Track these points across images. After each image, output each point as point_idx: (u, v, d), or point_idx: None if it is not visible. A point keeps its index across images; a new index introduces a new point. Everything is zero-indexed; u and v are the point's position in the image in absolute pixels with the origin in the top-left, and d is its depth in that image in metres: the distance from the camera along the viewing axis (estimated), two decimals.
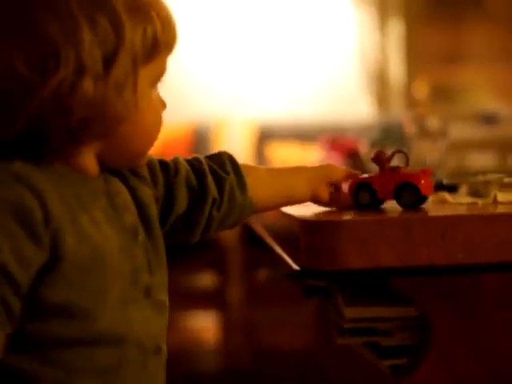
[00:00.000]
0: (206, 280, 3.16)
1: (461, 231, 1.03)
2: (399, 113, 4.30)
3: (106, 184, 0.95)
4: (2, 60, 0.86)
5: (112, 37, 0.88)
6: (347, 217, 1.09)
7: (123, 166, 0.97)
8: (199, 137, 3.93)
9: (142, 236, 0.96)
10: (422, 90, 4.07)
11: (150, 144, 0.95)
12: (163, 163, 1.05)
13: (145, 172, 1.01)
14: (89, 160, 0.92)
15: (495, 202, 1.21)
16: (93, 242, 0.88)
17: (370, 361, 1.23)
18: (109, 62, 0.87)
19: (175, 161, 1.06)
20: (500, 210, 1.15)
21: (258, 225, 1.77)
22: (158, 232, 0.99)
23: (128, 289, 0.92)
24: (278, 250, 1.34)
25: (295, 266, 1.08)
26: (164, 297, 0.98)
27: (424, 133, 1.92)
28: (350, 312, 1.19)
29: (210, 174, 1.06)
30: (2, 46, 0.86)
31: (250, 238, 2.48)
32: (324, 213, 1.13)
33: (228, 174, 1.08)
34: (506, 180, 1.28)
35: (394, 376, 1.17)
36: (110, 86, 0.87)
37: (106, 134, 0.90)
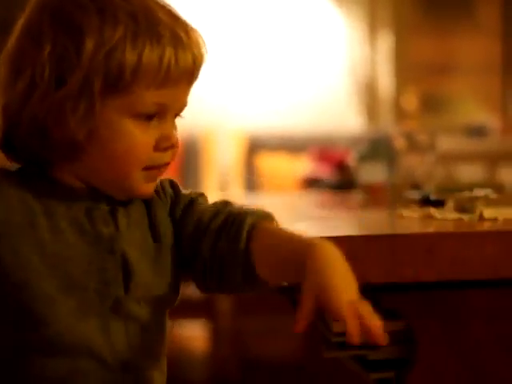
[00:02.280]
0: (194, 289, 3.17)
1: (446, 248, 1.05)
2: (388, 124, 4.33)
3: (89, 199, 0.95)
4: None
5: (71, 56, 0.89)
6: (335, 233, 1.11)
7: (109, 190, 0.95)
8: (189, 147, 3.94)
9: (120, 251, 0.95)
10: (411, 102, 4.09)
11: (122, 171, 0.93)
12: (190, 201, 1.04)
13: (167, 198, 1.02)
14: (67, 177, 0.94)
15: (481, 218, 1.23)
16: (48, 251, 0.90)
17: (358, 374, 1.24)
18: (61, 80, 0.89)
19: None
20: (486, 226, 1.17)
21: None
22: (166, 250, 0.98)
23: (90, 300, 0.92)
24: None
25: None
26: (143, 312, 0.95)
27: (412, 146, 1.95)
28: (338, 326, 1.21)
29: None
30: None
31: None
32: (315, 230, 1.15)
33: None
34: (492, 196, 1.30)
35: None
36: (56, 104, 0.89)
37: (64, 155, 0.92)
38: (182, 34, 0.93)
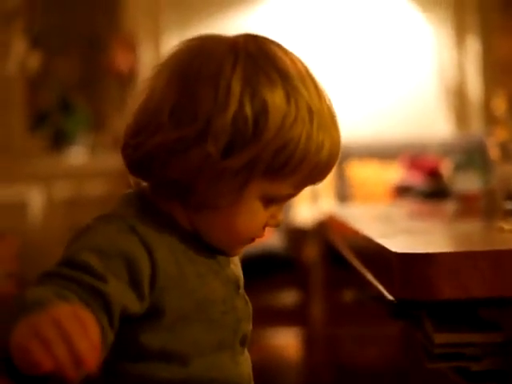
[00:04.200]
0: (289, 297, 3.20)
1: None
2: (479, 129, 4.29)
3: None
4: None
5: (249, 130, 0.88)
6: (436, 249, 1.13)
7: (209, 242, 0.96)
8: None
9: (242, 288, 1.00)
10: (500, 105, 4.05)
11: (232, 239, 0.95)
12: None
13: None
14: (183, 220, 0.94)
15: None
16: (196, 296, 0.91)
17: None
18: (229, 150, 0.88)
19: None
20: None
21: (345, 247, 1.81)
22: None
23: (228, 337, 0.95)
24: (368, 275, 1.39)
25: (389, 296, 1.13)
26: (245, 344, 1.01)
27: (508, 156, 1.95)
28: (440, 338, 1.23)
29: None
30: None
31: (332, 258, 2.53)
32: (416, 244, 1.17)
33: None
34: None
35: None
36: (216, 173, 0.89)
37: (194, 208, 0.92)
38: (336, 140, 0.93)
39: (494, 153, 1.99)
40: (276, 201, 0.93)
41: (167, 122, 0.90)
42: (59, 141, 4.34)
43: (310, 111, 0.90)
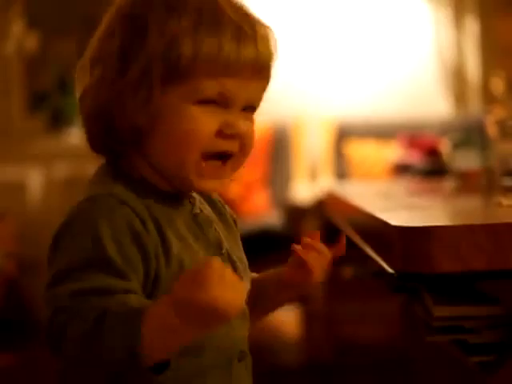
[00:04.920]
0: None
1: None
2: (477, 109, 4.30)
3: (189, 203, 1.01)
4: None
5: (136, 47, 0.94)
6: (436, 222, 1.15)
7: (174, 180, 0.98)
8: (278, 136, 3.98)
9: (225, 249, 1.01)
10: (499, 86, 4.05)
11: (182, 154, 0.95)
12: None
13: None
14: (145, 170, 0.97)
15: None
16: (179, 259, 0.93)
17: (458, 357, 1.28)
18: (125, 70, 0.95)
19: None
20: None
21: (345, 223, 1.82)
22: (241, 246, 1.06)
23: None
24: (368, 250, 1.40)
25: (390, 269, 1.14)
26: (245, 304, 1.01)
27: (506, 134, 1.96)
28: (439, 310, 1.24)
29: None
30: None
31: (332, 235, 2.54)
32: (416, 218, 1.19)
33: None
34: None
35: (481, 372, 1.22)
36: (117, 91, 0.94)
37: (132, 140, 0.95)
38: (247, 28, 0.95)
39: (492, 131, 2.00)
40: (212, 100, 0.95)
41: (91, 84, 0.98)
42: (58, 121, 4.35)
43: (199, 11, 0.94)
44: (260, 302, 1.09)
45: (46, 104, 4.38)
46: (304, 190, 3.77)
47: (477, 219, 1.15)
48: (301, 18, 4.26)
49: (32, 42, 4.42)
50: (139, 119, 0.94)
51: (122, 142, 0.96)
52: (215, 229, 1.02)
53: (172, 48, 0.93)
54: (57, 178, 4.28)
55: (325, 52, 4.30)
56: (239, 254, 1.05)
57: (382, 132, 3.96)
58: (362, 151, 3.92)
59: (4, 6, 4.36)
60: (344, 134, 4.02)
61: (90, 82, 0.97)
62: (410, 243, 1.08)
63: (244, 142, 0.98)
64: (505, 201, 1.36)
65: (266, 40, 0.97)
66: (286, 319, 3.47)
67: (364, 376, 2.67)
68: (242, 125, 0.97)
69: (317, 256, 1.06)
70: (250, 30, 0.95)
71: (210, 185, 0.98)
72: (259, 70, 0.96)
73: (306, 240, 1.07)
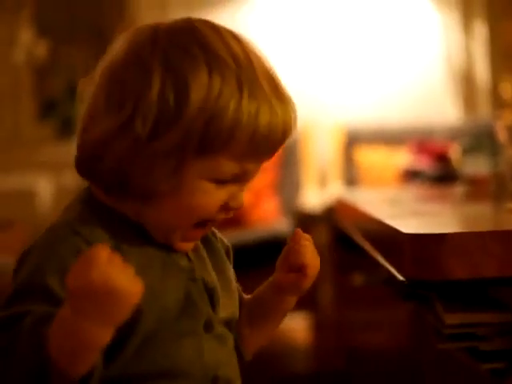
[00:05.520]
0: None
1: None
2: (487, 114, 4.29)
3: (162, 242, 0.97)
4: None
5: (173, 108, 0.87)
6: (446, 230, 1.14)
7: (154, 233, 0.95)
8: (287, 143, 3.96)
9: (200, 276, 0.98)
10: (508, 90, 4.04)
11: (181, 222, 0.93)
12: None
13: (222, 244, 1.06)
14: (130, 212, 0.94)
15: None
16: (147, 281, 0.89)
17: (469, 365, 1.27)
18: (156, 132, 0.88)
19: None
20: None
21: (355, 230, 1.82)
22: (230, 275, 1.04)
23: (183, 323, 0.94)
24: (378, 257, 1.40)
25: (400, 277, 1.14)
26: (225, 329, 0.99)
27: None
28: (450, 318, 1.24)
29: None
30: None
31: (341, 243, 2.54)
32: (426, 225, 1.18)
33: None
34: None
35: (493, 379, 1.21)
36: (146, 156, 0.88)
37: (139, 196, 0.91)
38: (279, 111, 0.91)
39: (502, 136, 1.99)
40: (227, 180, 0.92)
41: (102, 113, 0.91)
42: (67, 129, 4.36)
43: (239, 81, 0.89)
44: (260, 317, 1.07)
45: (56, 112, 4.39)
46: (314, 197, 3.76)
47: (487, 226, 1.15)
48: (310, 23, 4.26)
49: (41, 50, 4.43)
50: (161, 186, 0.90)
51: (128, 194, 0.92)
52: (189, 258, 0.99)
53: (213, 123, 0.88)
54: (66, 186, 4.29)
55: (333, 58, 4.30)
56: (225, 284, 1.02)
57: (391, 137, 3.95)
58: (371, 157, 3.91)
59: (13, 14, 4.37)
60: (353, 140, 4.01)
61: (110, 121, 0.90)
62: (421, 250, 1.07)
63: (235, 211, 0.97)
64: None
65: (291, 118, 0.94)
66: (296, 327, 3.47)
67: (375, 383, 2.66)
68: (243, 197, 0.96)
69: (307, 251, 1.03)
70: (280, 110, 0.92)
71: (186, 247, 0.97)
72: (278, 150, 0.95)
73: (298, 233, 1.04)
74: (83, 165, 0.95)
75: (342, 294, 2.84)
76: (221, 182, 0.92)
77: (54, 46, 4.48)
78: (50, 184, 4.30)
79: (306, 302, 3.28)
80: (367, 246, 1.57)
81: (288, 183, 3.96)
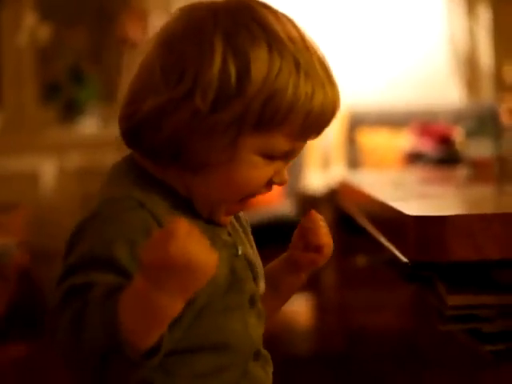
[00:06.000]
0: None
1: None
2: (490, 97, 4.28)
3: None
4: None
5: (234, 84, 0.89)
6: (449, 212, 1.15)
7: (202, 211, 0.96)
8: None
9: (242, 251, 0.99)
10: (511, 73, 4.04)
11: (228, 196, 0.95)
12: None
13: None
14: (179, 185, 0.95)
15: None
16: None
17: (471, 346, 1.28)
18: (216, 104, 0.89)
19: None
20: None
21: (358, 212, 1.83)
22: (256, 250, 1.04)
23: (231, 298, 0.95)
24: (381, 239, 1.40)
25: (403, 258, 1.14)
26: (262, 305, 1.01)
27: None
28: (453, 299, 1.25)
29: None
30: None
31: (344, 225, 2.55)
32: (429, 207, 1.19)
33: None
34: None
35: (494, 361, 1.22)
36: (204, 128, 0.90)
37: (189, 169, 0.93)
38: (330, 93, 0.93)
39: (505, 119, 1.99)
40: (276, 156, 0.94)
41: (158, 84, 0.92)
42: (71, 111, 4.36)
43: (297, 62, 0.92)
44: (272, 292, 1.08)
45: (59, 94, 4.40)
46: (316, 179, 3.77)
47: (490, 208, 1.15)
48: (314, 7, 4.25)
49: (44, 33, 4.43)
50: (215, 157, 0.92)
51: (179, 165, 0.94)
52: (228, 233, 1.00)
53: (272, 100, 0.90)
54: (69, 168, 4.30)
55: (337, 40, 4.30)
56: (256, 259, 1.04)
57: (394, 120, 3.95)
58: (374, 139, 3.91)
59: None
60: (356, 123, 4.01)
61: (168, 93, 0.91)
62: (424, 232, 1.08)
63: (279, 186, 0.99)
64: None
65: (339, 100, 0.96)
66: (299, 309, 3.48)
67: (376, 364, 2.67)
68: (287, 174, 0.98)
69: (324, 231, 1.06)
70: (331, 92, 0.94)
71: (226, 220, 0.99)
72: (325, 129, 0.97)
73: (314, 214, 1.06)
74: (133, 134, 0.95)
75: (344, 276, 2.85)
76: (271, 157, 0.94)
77: (57, 29, 4.48)
78: (53, 166, 4.31)
79: (309, 284, 3.29)
80: (370, 228, 1.57)
81: (291, 166, 3.95)
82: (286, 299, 1.11)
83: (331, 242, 1.07)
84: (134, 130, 0.94)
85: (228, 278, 0.95)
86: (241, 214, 1.07)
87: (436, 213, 1.12)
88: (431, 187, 1.94)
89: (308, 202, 3.33)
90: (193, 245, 0.77)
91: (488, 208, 1.16)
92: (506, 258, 1.09)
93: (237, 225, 1.03)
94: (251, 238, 1.06)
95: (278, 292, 1.09)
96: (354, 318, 2.95)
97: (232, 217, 1.02)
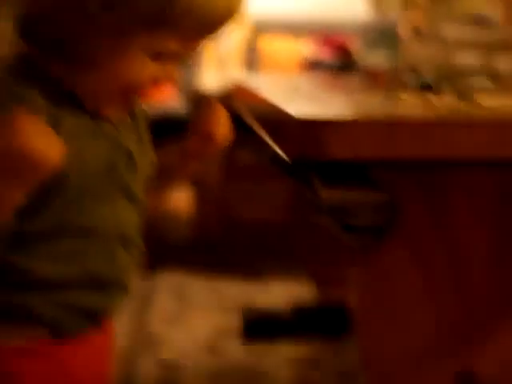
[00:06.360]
0: None
1: (440, 131, 1.11)
2: (395, 12, 4.30)
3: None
4: None
5: None
6: (339, 115, 1.17)
7: (87, 105, 0.97)
8: None
9: (124, 144, 1.00)
10: None
11: (113, 92, 0.96)
12: None
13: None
14: (65, 78, 0.94)
15: (477, 105, 1.29)
16: (76, 147, 0.92)
17: (341, 238, 1.32)
18: (107, 5, 0.89)
19: None
20: (480, 113, 1.22)
21: (248, 113, 1.83)
22: (147, 139, 1.06)
23: (105, 186, 0.97)
24: (266, 138, 1.42)
25: (285, 157, 1.16)
26: (140, 191, 1.03)
27: (416, 34, 1.98)
28: (326, 193, 1.28)
29: None
30: None
31: (236, 124, 2.55)
32: (315, 109, 1.20)
33: None
34: (489, 85, 1.35)
35: (362, 251, 1.27)
36: (96, 25, 0.90)
37: (75, 61, 0.93)
38: None
39: (403, 31, 2.02)
40: (166, 56, 0.95)
41: None
42: None
43: None
44: (163, 173, 1.10)
45: None
46: (212, 79, 3.75)
47: (373, 111, 1.17)
48: None
49: None
50: (102, 52, 0.92)
51: (70, 58, 0.93)
52: (115, 127, 1.00)
53: (159, 2, 0.89)
54: None
55: None
56: (140, 154, 1.03)
57: (296, 29, 3.95)
58: (275, 46, 3.91)
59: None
60: (259, 29, 4.00)
61: None
62: (307, 133, 1.09)
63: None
64: (403, 96, 1.39)
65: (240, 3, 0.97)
66: (180, 199, 3.50)
67: (249, 251, 2.73)
68: (176, 73, 0.98)
69: (221, 121, 1.07)
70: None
71: (113, 114, 0.99)
72: (220, 29, 0.96)
73: (215, 104, 1.07)
74: (29, 29, 0.95)
75: (229, 171, 2.87)
76: (159, 56, 0.94)
77: None
78: None
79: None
80: (257, 127, 1.59)
81: (188, 65, 3.92)
82: (173, 181, 1.13)
83: (227, 133, 1.08)
84: (29, 23, 0.94)
85: (104, 167, 0.96)
86: (138, 111, 1.07)
87: (319, 115, 1.13)
88: (324, 92, 1.95)
89: (200, 101, 3.32)
90: (33, 136, 0.79)
91: (371, 111, 1.17)
92: (383, 159, 1.12)
93: (130, 122, 1.04)
94: (145, 135, 1.07)
95: (167, 174, 1.11)
96: (233, 208, 2.98)
97: (126, 114, 1.03)
